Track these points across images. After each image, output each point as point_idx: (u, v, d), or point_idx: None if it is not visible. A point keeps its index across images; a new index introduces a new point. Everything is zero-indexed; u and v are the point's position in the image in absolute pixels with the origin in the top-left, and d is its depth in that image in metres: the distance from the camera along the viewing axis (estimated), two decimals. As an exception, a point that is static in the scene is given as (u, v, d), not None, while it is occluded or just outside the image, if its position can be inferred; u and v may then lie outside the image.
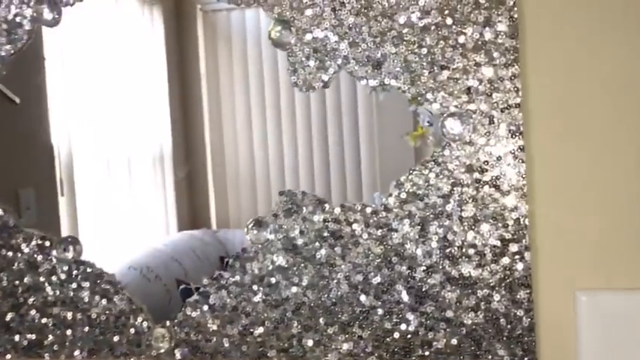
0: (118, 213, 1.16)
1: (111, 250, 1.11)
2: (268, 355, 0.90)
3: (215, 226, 1.22)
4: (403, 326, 0.85)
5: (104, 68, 1.07)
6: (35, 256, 0.99)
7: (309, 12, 0.86)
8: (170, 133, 1.09)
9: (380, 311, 0.86)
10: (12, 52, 0.99)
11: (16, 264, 0.99)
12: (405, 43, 0.83)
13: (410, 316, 0.85)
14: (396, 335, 0.85)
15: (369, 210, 0.86)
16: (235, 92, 1.07)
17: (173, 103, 1.09)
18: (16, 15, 0.98)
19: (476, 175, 0.82)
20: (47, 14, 0.96)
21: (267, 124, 1.07)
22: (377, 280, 0.86)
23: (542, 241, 0.82)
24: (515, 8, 0.79)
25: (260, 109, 1.07)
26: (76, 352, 0.98)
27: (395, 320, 0.85)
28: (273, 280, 0.90)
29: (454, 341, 0.83)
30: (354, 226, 0.87)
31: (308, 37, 0.87)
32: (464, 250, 0.82)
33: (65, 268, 0.98)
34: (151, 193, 1.03)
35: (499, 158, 0.81)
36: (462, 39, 0.81)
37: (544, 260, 0.82)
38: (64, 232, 1.06)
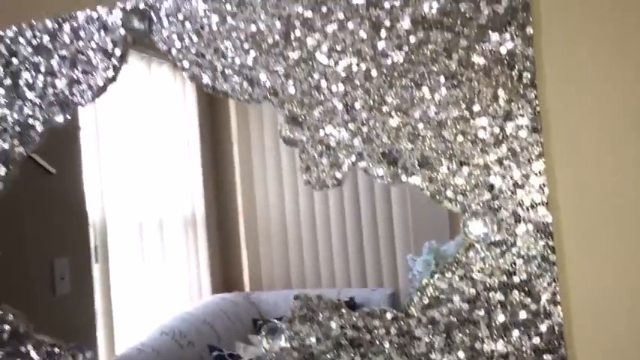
0: (150, 277, 1.13)
1: (143, 315, 1.08)
2: None
3: (248, 289, 1.19)
4: None
5: (138, 135, 1.06)
6: (44, 363, 0.95)
7: (320, 108, 0.83)
8: (202, 197, 1.06)
9: None
10: (24, 154, 0.98)
11: (25, 372, 0.96)
12: (421, 138, 0.79)
13: None
14: None
15: (389, 315, 0.80)
16: (266, 156, 1.04)
17: (205, 167, 1.07)
18: (28, 117, 0.97)
19: (503, 278, 0.75)
20: (61, 114, 0.95)
21: (298, 187, 1.03)
22: (401, 393, 0.79)
23: (581, 352, 0.74)
24: (537, 101, 0.74)
25: (291, 173, 1.04)
26: None
27: None
28: (289, 391, 0.84)
29: None
30: (374, 332, 0.81)
31: (320, 134, 0.83)
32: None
33: (74, 376, 0.94)
34: (184, 256, 1.00)
35: (528, 260, 0.74)
36: (481, 134, 0.76)
37: (585, 372, 0.74)
38: (98, 298, 1.04)
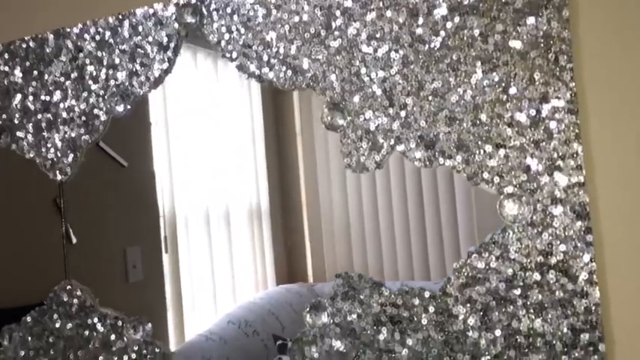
0: (217, 267, 1.19)
1: (211, 304, 1.14)
2: None
3: (312, 280, 1.22)
4: (468, 420, 0.80)
5: (205, 129, 1.12)
6: (109, 335, 1.03)
7: (360, 94, 0.86)
8: (267, 189, 1.11)
9: (443, 402, 0.81)
10: (90, 141, 1.06)
11: (92, 342, 1.04)
12: (457, 121, 0.81)
13: (475, 410, 0.79)
14: None
15: (427, 294, 0.83)
16: (329, 148, 1.08)
17: (270, 161, 1.12)
18: (93, 108, 1.05)
19: (540, 258, 0.77)
20: (122, 104, 1.02)
21: (361, 179, 1.07)
22: (438, 369, 0.82)
23: (618, 331, 0.75)
24: (573, 83, 0.75)
25: None
26: None
27: (459, 413, 0.80)
28: (332, 365, 0.88)
29: None
30: (413, 310, 0.83)
31: (360, 119, 0.86)
32: (531, 339, 0.77)
33: (136, 347, 1.01)
34: (249, 247, 1.05)
35: (564, 241, 0.75)
36: (517, 116, 0.78)
37: (622, 353, 0.75)
38: (168, 287, 1.10)
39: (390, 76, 0.85)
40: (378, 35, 0.85)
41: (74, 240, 1.23)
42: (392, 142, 0.84)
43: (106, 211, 1.14)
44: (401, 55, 0.84)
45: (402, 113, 0.84)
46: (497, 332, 0.78)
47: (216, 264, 1.15)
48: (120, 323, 1.03)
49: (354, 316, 0.87)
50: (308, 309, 0.89)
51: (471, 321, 0.80)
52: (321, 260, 1.09)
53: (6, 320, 1.27)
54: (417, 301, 0.83)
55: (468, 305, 0.80)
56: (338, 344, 0.87)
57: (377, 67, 0.85)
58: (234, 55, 0.94)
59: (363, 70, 0.86)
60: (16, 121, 1.11)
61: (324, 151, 1.05)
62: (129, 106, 1.02)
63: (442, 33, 0.81)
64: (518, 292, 0.78)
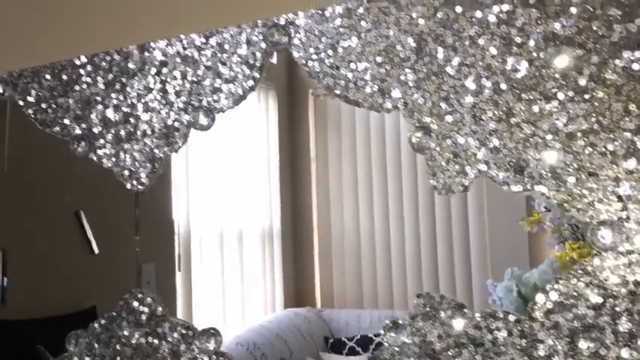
0: (228, 287, 1.20)
1: (220, 325, 1.15)
2: None
3: (319, 305, 1.24)
4: None
5: (223, 153, 1.14)
6: (179, 345, 1.04)
7: (449, 118, 0.89)
8: (280, 213, 1.13)
9: None
10: (169, 153, 1.09)
11: (160, 351, 1.05)
12: (548, 148, 0.82)
13: None
14: None
15: (512, 318, 0.83)
16: (343, 174, 1.10)
17: (283, 184, 1.14)
18: (174, 121, 1.08)
19: (631, 287, 0.77)
20: (204, 119, 1.05)
21: (374, 207, 1.08)
22: (521, 393, 0.82)
23: None
24: (670, 116, 0.76)
25: (367, 192, 1.08)
26: None
27: None
28: (409, 385, 0.88)
29: None
30: (496, 333, 0.84)
31: (448, 142, 0.88)
32: (619, 367, 0.77)
33: (206, 358, 1.02)
34: (260, 270, 1.06)
35: (657, 270, 0.76)
36: (611, 146, 0.79)
37: None
38: (179, 305, 1.11)
39: (480, 102, 0.87)
40: (468, 62, 0.88)
41: (96, 251, 1.25)
42: (480, 166, 0.86)
43: (124, 226, 1.16)
44: (492, 82, 0.86)
45: (492, 138, 0.86)
46: (584, 359, 0.79)
47: (227, 284, 1.17)
48: (190, 333, 1.04)
49: (435, 336, 0.87)
50: (388, 327, 0.90)
51: (557, 347, 0.80)
52: (329, 286, 1.09)
53: (29, 331, 1.29)
54: (500, 324, 0.84)
55: (554, 331, 0.81)
56: (417, 364, 0.88)
57: (466, 93, 0.88)
58: (321, 76, 0.97)
59: (453, 95, 0.88)
60: (95, 131, 1.14)
61: (338, 178, 1.07)
62: (212, 122, 1.05)
63: (536, 62, 0.84)
64: (606, 319, 0.78)
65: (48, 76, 1.19)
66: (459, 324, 0.86)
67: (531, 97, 0.84)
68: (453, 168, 0.88)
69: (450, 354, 0.86)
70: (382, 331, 0.91)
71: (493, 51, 0.86)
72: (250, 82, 1.03)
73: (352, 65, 0.95)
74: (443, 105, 0.89)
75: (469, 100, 0.87)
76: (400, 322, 0.90)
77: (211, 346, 1.02)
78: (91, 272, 1.27)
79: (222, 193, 1.11)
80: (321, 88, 1.06)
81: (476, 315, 0.85)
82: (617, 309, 0.78)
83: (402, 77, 0.92)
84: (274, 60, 1.10)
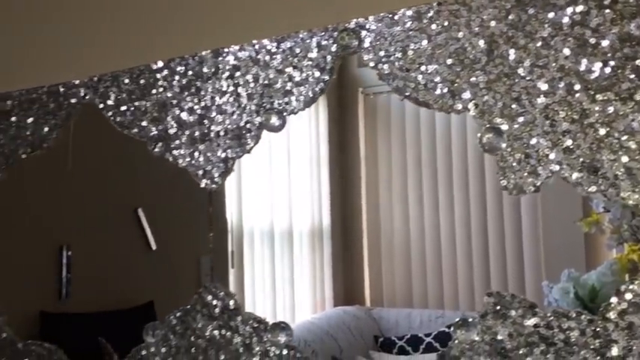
0: (279, 285, 1.24)
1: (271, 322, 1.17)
2: None
3: (369, 304, 1.25)
4: None
5: (274, 152, 1.17)
6: (251, 337, 1.08)
7: (520, 119, 0.89)
8: (329, 212, 1.15)
9: None
10: (241, 154, 1.13)
11: (233, 344, 1.10)
12: (624, 149, 0.82)
13: None
14: None
15: (585, 318, 0.84)
16: (393, 173, 1.11)
17: (333, 183, 1.15)
18: (246, 122, 1.12)
19: None
20: (275, 120, 1.09)
21: (424, 205, 1.09)
22: (595, 393, 0.82)
23: None
24: None
25: (417, 190, 1.09)
26: None
27: None
28: (480, 382, 0.89)
29: None
30: (568, 333, 0.84)
31: (519, 143, 0.89)
32: (698, 369, 0.77)
33: (277, 352, 1.06)
34: (309, 268, 1.09)
35: None
36: (689, 146, 0.79)
37: None
38: (232, 301, 1.14)
39: (553, 102, 0.87)
40: (541, 63, 0.89)
41: (154, 247, 1.30)
42: (553, 167, 0.87)
43: (182, 220, 1.20)
44: (565, 83, 0.87)
45: (565, 139, 0.86)
46: (661, 360, 0.79)
47: (278, 281, 1.20)
48: (262, 327, 1.08)
49: (505, 335, 0.88)
50: (458, 324, 0.92)
51: (633, 347, 0.80)
52: (379, 284, 1.10)
53: (91, 324, 1.35)
54: (573, 324, 0.84)
55: (628, 331, 0.81)
56: (487, 362, 0.89)
57: (539, 94, 0.88)
58: (391, 78, 0.99)
59: (524, 97, 0.89)
60: (171, 132, 1.20)
61: (387, 177, 1.08)
62: (283, 123, 1.09)
63: (611, 63, 0.84)
64: (684, 321, 0.78)
65: (127, 81, 1.25)
66: (530, 323, 0.87)
67: (606, 98, 0.84)
68: (524, 168, 0.89)
69: (521, 352, 0.87)
70: (451, 329, 0.93)
71: (566, 52, 0.87)
72: (321, 85, 1.06)
73: (422, 67, 0.97)
74: (514, 106, 0.90)
75: (541, 101, 0.88)
76: (470, 320, 0.91)
77: (282, 339, 1.06)
78: (149, 268, 1.33)
79: (273, 191, 1.14)
80: (370, 87, 1.08)
81: (548, 314, 0.86)
82: (696, 311, 0.77)
83: (473, 79, 0.93)
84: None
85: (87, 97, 1.30)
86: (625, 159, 0.82)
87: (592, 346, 0.83)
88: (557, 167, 0.87)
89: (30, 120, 1.37)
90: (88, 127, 1.34)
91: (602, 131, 0.84)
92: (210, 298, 1.13)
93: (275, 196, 1.13)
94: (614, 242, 1.45)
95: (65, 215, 1.39)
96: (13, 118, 1.39)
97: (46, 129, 1.35)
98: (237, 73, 1.14)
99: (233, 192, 1.19)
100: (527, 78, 0.89)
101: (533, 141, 0.88)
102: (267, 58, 1.11)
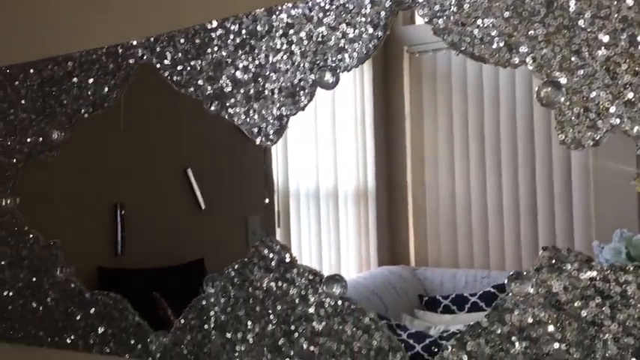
0: (325, 245, 1.26)
1: None
2: (527, 408, 0.91)
3: (414, 264, 1.25)
4: (682, 398, 0.80)
5: (318, 110, 1.16)
6: (307, 289, 1.12)
7: (580, 72, 0.88)
8: (374, 170, 1.14)
9: (654, 378, 0.82)
10: (295, 112, 1.15)
11: (290, 295, 1.14)
12: (689, 102, 0.81)
13: (691, 389, 0.80)
14: (674, 407, 0.81)
15: (642, 271, 0.84)
16: (438, 132, 1.09)
17: (378, 143, 1.14)
18: (300, 80, 1.14)
19: None
20: (329, 77, 1.10)
21: (470, 164, 1.07)
22: (651, 345, 0.83)
23: None
24: None
25: (463, 150, 1.08)
26: (339, 380, 1.08)
27: (672, 390, 0.81)
28: (533, 333, 0.91)
29: None
30: (625, 286, 0.85)
31: (578, 96, 0.88)
32: None
33: (332, 302, 1.09)
34: (354, 227, 1.09)
35: None
36: None
37: None
38: None
39: (615, 55, 0.86)
40: (602, 14, 0.87)
41: (203, 206, 1.34)
42: (612, 120, 0.86)
43: (230, 180, 1.22)
44: (627, 34, 0.85)
45: (626, 92, 0.85)
46: None
47: (324, 241, 1.22)
48: (317, 279, 1.11)
49: (560, 288, 0.89)
50: (512, 277, 0.93)
51: (692, 301, 0.80)
52: (424, 244, 1.10)
53: (145, 280, 1.41)
54: (630, 278, 0.84)
55: (687, 285, 0.81)
56: (542, 314, 0.90)
57: (600, 45, 0.87)
58: (447, 32, 0.99)
59: (585, 49, 0.88)
60: (226, 91, 1.22)
61: (433, 136, 1.06)
62: (336, 80, 1.10)
63: (678, 12, 0.81)
64: None
65: (182, 40, 1.28)
66: (586, 276, 0.87)
67: (671, 49, 0.82)
68: (583, 122, 0.88)
69: (576, 305, 0.88)
70: (506, 282, 0.94)
71: (629, 2, 0.85)
72: (374, 42, 1.06)
73: (478, 21, 0.96)
74: (574, 59, 0.89)
75: (602, 53, 0.86)
76: (524, 273, 0.92)
77: (337, 291, 1.09)
78: (199, 227, 1.37)
79: (318, 151, 1.16)
80: (416, 46, 1.07)
81: (605, 267, 0.86)
82: None
83: (531, 32, 0.92)
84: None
85: (144, 58, 1.34)
86: (690, 111, 0.80)
87: (649, 300, 0.83)
88: (617, 121, 0.86)
89: (91, 80, 1.42)
90: (140, 87, 1.38)
91: (667, 83, 0.82)
92: (266, 251, 1.17)
93: (321, 157, 1.15)
94: (668, 202, 1.42)
95: (119, 175, 1.45)
96: (75, 79, 1.44)
97: (106, 89, 1.40)
98: (291, 31, 1.15)
99: (280, 153, 1.21)
100: (588, 30, 0.87)
101: (593, 94, 0.87)
102: (321, 15, 1.11)
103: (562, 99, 0.89)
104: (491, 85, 1.07)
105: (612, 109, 0.86)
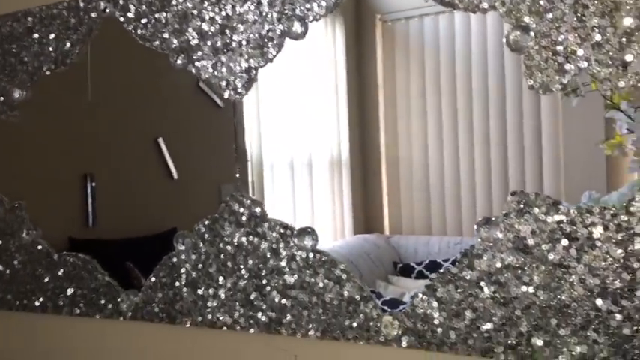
0: (299, 214, 1.26)
1: None
2: (495, 350, 0.92)
3: (388, 232, 1.27)
4: (645, 334, 0.82)
5: (292, 81, 1.16)
6: (278, 243, 1.11)
7: (549, 16, 0.88)
8: (347, 139, 1.14)
9: (618, 316, 0.84)
10: (263, 63, 1.13)
11: (261, 249, 1.13)
12: (655, 42, 0.81)
13: (653, 325, 0.82)
14: (636, 342, 0.83)
15: (607, 213, 0.85)
16: (411, 100, 1.09)
17: (351, 111, 1.14)
18: (268, 31, 1.11)
19: None
20: (297, 27, 1.08)
21: (442, 131, 1.07)
22: (615, 284, 0.84)
23: None
24: None
25: (436, 117, 1.08)
26: (311, 332, 1.08)
27: (635, 327, 0.83)
28: (502, 278, 0.92)
29: None
30: (591, 228, 0.86)
31: (546, 40, 0.88)
32: None
33: (303, 255, 1.09)
34: (329, 196, 1.09)
35: None
36: None
37: None
38: None
39: (583, -3, 0.85)
40: (571, -44, 0.86)
41: (175, 176, 1.32)
42: (580, 63, 0.86)
43: (202, 149, 1.20)
44: (596, -25, 0.84)
45: (594, 34, 0.85)
46: (683, 251, 0.80)
47: (299, 211, 1.21)
48: (288, 232, 1.11)
49: (528, 232, 0.90)
50: (481, 223, 0.93)
51: (655, 240, 0.81)
52: (397, 212, 1.10)
53: (118, 250, 1.39)
54: (596, 219, 0.85)
55: (651, 225, 0.82)
56: (510, 259, 0.91)
57: (568, -12, 0.86)
58: (416, -22, 0.97)
59: (553, -8, 0.87)
60: (192, 44, 1.19)
61: (406, 105, 1.06)
62: (305, 30, 1.08)
63: (645, -48, 0.81)
64: None
65: (146, -8, 1.24)
66: (553, 220, 0.88)
67: (638, -11, 0.81)
68: (551, 66, 0.88)
69: (544, 248, 0.89)
70: (475, 228, 0.94)
71: (598, -57, 0.84)
72: (343, -11, 1.04)
73: (448, -34, 0.95)
74: (542, 2, 0.88)
75: (571, -5, 0.86)
76: (492, 219, 0.93)
77: (309, 243, 1.09)
78: (171, 196, 1.35)
79: (291, 121, 1.14)
80: (388, 14, 1.05)
81: (571, 211, 0.87)
82: None
83: (500, -25, 0.91)
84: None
85: (107, 11, 1.29)
86: (656, 52, 0.81)
87: (614, 240, 0.84)
88: (585, 64, 0.86)
89: (52, 36, 1.37)
90: (108, 57, 1.34)
91: (634, 22, 0.82)
92: (237, 206, 1.16)
93: (294, 127, 1.13)
94: (636, 165, 1.44)
95: (88, 145, 1.41)
96: (35, 35, 1.39)
97: (68, 44, 1.35)
98: (258, -20, 1.12)
99: (253, 123, 1.19)
100: (557, -28, 0.87)
101: (561, 37, 0.87)
102: (288, -37, 1.09)
103: (530, 43, 0.89)
104: (463, 52, 1.06)
105: (580, 52, 0.86)
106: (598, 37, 0.84)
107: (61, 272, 1.38)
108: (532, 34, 0.89)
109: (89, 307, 1.34)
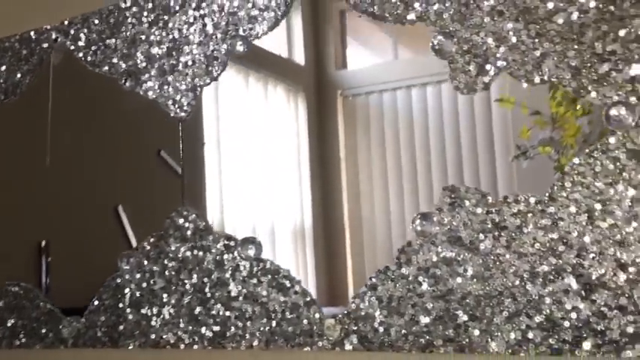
0: None
1: None
2: (435, 344, 0.93)
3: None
4: (574, 315, 0.85)
5: (254, 150, 1.19)
6: (222, 255, 1.12)
7: (469, 22, 0.95)
8: (311, 210, 1.16)
9: (548, 300, 0.86)
10: (208, 81, 1.17)
11: (205, 262, 1.13)
12: (564, 41, 0.88)
13: (580, 305, 0.84)
14: (566, 324, 0.85)
15: (532, 200, 0.89)
16: (373, 173, 1.13)
17: (314, 186, 1.17)
18: (213, 50, 1.17)
19: (645, 159, 0.82)
20: (240, 47, 1.14)
21: (404, 205, 1.12)
22: (544, 268, 0.87)
23: None
24: (677, -3, 0.82)
25: (397, 190, 1.12)
26: (255, 343, 1.07)
27: (565, 309, 0.85)
28: (438, 271, 0.94)
29: (630, 329, 0.81)
30: (518, 216, 0.90)
31: (468, 44, 0.95)
32: (634, 236, 0.82)
33: (247, 265, 1.10)
34: (293, 268, 1.09)
35: (669, 142, 0.81)
36: (622, 32, 0.85)
37: None
38: None
39: (499, 4, 0.93)
40: (486, -31, 0.94)
41: (134, 244, 1.29)
42: (499, 63, 0.92)
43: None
44: (508, -15, 0.92)
45: (510, 36, 0.92)
46: (603, 224, 0.84)
47: None
48: (232, 243, 1.11)
49: (460, 224, 0.93)
50: (417, 219, 0.96)
51: (579, 221, 0.86)
52: (362, 285, 1.10)
53: None
54: (522, 207, 0.89)
55: (574, 208, 0.86)
56: (445, 252, 0.94)
57: (485, -3, 0.94)
58: (349, -5, 1.04)
59: (472, 1, 0.95)
60: (141, 67, 1.23)
61: (368, 177, 1.11)
62: (247, 48, 1.13)
63: (549, -39, 0.90)
64: (620, 188, 0.83)
65: (97, 21, 1.29)
66: (482, 211, 0.92)
67: (546, -6, 0.90)
68: (474, 68, 0.94)
69: (476, 238, 0.92)
70: (411, 224, 0.97)
71: (509, -44, 0.93)
72: (283, 9, 1.11)
73: (377, -17, 1.02)
74: (463, 10, 0.95)
75: (490, 3, 0.94)
76: (426, 212, 0.96)
77: (252, 252, 1.09)
78: None
79: (254, 191, 1.16)
80: (349, 89, 1.12)
81: (499, 201, 0.91)
82: (633, 182, 0.83)
83: (424, -11, 0.98)
84: (302, 62, 1.17)
85: (58, 40, 1.33)
86: (559, 47, 0.88)
87: (539, 225, 0.88)
88: (503, 63, 0.92)
89: (3, 68, 1.40)
90: (66, 124, 1.34)
91: (543, 26, 0.89)
92: (181, 221, 1.16)
93: (257, 197, 1.15)
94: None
95: (44, 214, 1.38)
96: (-14, 66, 1.41)
97: (18, 75, 1.38)
98: (203, 4, 1.18)
99: (215, 195, 1.20)
100: (474, -17, 0.95)
101: (481, 41, 0.94)
102: (232, -12, 1.15)
103: (453, 48, 0.96)
104: (420, 126, 1.12)
105: (499, 53, 0.92)
106: (514, 39, 0.92)
107: (1, 304, 1.34)
108: (455, 39, 0.96)
109: (29, 338, 1.30)
